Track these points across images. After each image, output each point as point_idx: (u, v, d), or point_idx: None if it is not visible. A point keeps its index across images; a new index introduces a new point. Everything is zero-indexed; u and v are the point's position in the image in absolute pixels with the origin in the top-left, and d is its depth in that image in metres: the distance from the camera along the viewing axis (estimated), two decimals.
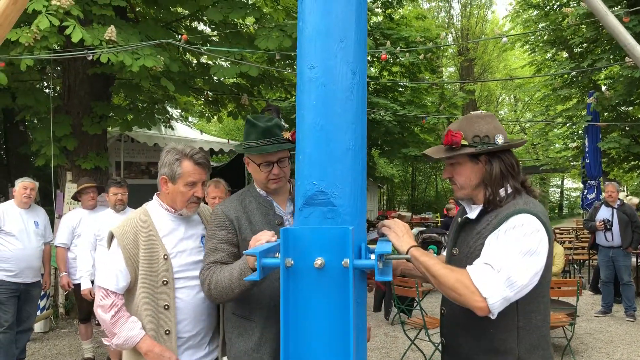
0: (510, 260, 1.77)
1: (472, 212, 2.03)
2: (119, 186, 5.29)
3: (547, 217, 1.91)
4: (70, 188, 7.64)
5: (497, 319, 1.86)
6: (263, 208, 2.31)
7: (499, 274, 1.75)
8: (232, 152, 11.24)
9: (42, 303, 6.89)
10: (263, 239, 1.89)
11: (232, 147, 10.60)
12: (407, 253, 1.83)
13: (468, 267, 1.82)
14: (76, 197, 5.88)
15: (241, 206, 2.31)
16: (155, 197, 2.56)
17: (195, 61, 9.58)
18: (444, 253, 2.31)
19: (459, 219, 2.13)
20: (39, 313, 6.83)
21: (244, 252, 1.98)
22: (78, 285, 5.53)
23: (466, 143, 1.96)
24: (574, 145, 15.26)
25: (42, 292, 6.61)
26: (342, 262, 1.46)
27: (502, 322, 1.88)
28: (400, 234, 1.88)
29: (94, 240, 5.21)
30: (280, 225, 2.26)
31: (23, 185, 5.33)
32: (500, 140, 1.97)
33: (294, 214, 2.29)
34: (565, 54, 15.42)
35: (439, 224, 20.31)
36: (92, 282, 5.21)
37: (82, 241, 5.40)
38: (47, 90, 9.26)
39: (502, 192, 1.96)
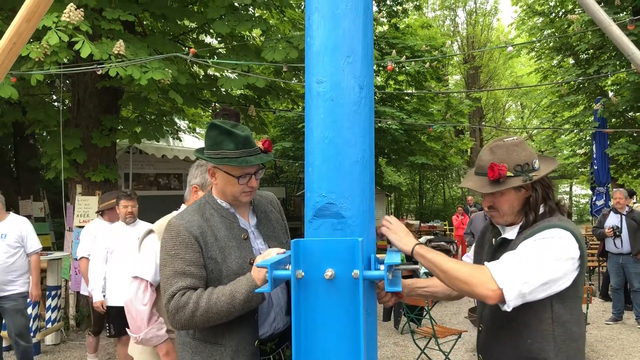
0: (531, 260, 1.82)
1: (509, 233, 2.08)
2: (129, 199, 5.23)
3: (581, 236, 1.95)
4: (80, 200, 7.71)
5: (534, 328, 1.92)
6: (227, 222, 2.15)
7: (518, 268, 1.80)
8: None
9: (52, 315, 6.93)
10: (273, 252, 1.90)
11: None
12: (412, 252, 1.87)
13: (486, 263, 1.87)
14: (102, 210, 5.80)
15: (203, 220, 2.11)
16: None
17: (202, 73, 9.66)
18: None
19: (493, 240, 2.18)
20: (49, 325, 6.87)
21: (255, 264, 1.96)
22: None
23: (511, 174, 2.00)
24: (581, 151, 15.24)
25: (53, 304, 6.64)
26: (352, 273, 1.48)
27: (539, 332, 1.92)
28: (401, 234, 1.93)
29: (106, 254, 5.22)
30: (246, 240, 2.16)
31: None
32: (537, 164, 2.03)
33: (257, 226, 2.24)
34: (571, 61, 15.42)
35: (446, 232, 20.28)
36: (104, 295, 5.23)
37: (95, 254, 5.34)
38: (56, 104, 9.36)
39: (540, 210, 2.03)
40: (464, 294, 1.89)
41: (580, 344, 1.96)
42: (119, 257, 5.17)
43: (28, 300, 5.57)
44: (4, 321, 5.35)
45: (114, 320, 5.21)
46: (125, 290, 5.09)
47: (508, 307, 1.79)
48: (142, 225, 5.28)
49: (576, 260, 1.89)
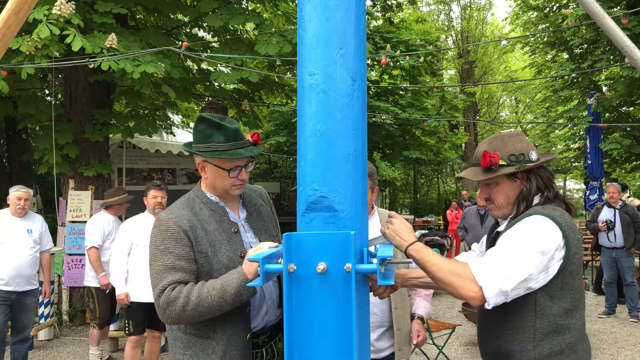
0: (511, 255, 1.81)
1: (502, 225, 2.09)
2: (158, 189, 5.11)
3: (567, 223, 1.90)
4: (73, 195, 7.66)
5: (515, 320, 1.91)
6: (217, 215, 2.14)
7: (497, 265, 1.80)
8: None
9: (45, 310, 6.90)
10: (265, 246, 1.89)
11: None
12: (405, 250, 1.86)
13: (469, 261, 1.87)
14: (109, 205, 5.80)
15: (193, 214, 2.10)
16: None
17: (196, 67, 9.61)
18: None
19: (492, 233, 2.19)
20: (42, 321, 6.84)
21: (247, 258, 1.95)
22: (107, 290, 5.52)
23: (504, 163, 2.00)
24: (575, 146, 15.27)
25: (46, 300, 6.62)
26: (345, 267, 1.47)
27: (520, 323, 1.91)
28: (398, 232, 1.90)
29: (130, 246, 5.09)
30: (237, 233, 2.15)
31: (17, 196, 5.20)
32: (534, 156, 2.02)
33: (247, 219, 2.24)
34: (565, 55, 15.44)
35: (441, 227, 20.33)
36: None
37: (117, 246, 5.21)
38: (48, 98, 9.30)
39: (535, 200, 2.02)
40: (448, 293, 1.88)
41: (569, 337, 1.91)
42: (144, 249, 4.91)
43: None
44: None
45: (134, 316, 5.07)
46: (149, 285, 5.00)
47: (488, 305, 1.79)
48: None
49: (560, 249, 1.85)
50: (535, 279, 1.82)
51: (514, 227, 1.90)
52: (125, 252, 5.11)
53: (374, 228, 2.72)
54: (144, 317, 5.12)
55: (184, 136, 11.21)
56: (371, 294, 1.91)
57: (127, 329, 5.12)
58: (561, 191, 2.10)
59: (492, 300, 1.77)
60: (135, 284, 5.06)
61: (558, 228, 1.85)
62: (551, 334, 1.89)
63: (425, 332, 2.92)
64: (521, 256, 1.80)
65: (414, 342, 2.83)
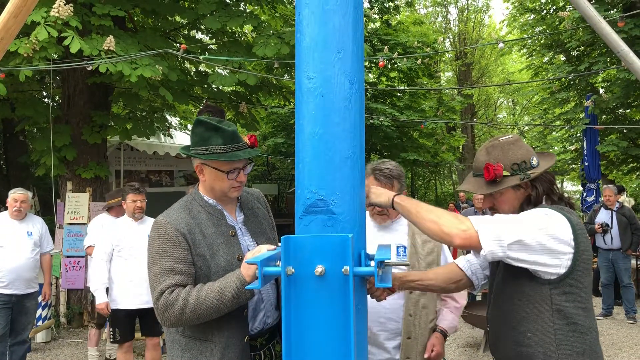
0: (512, 219, 1.82)
1: None
2: (137, 193, 4.94)
3: (576, 221, 1.90)
4: (71, 197, 7.66)
5: (532, 321, 1.89)
6: (214, 218, 2.15)
7: (497, 219, 1.81)
8: None
9: (43, 313, 6.89)
10: (263, 249, 1.89)
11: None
12: (392, 202, 1.89)
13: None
14: (111, 207, 5.79)
15: (190, 217, 2.11)
16: None
17: (193, 70, 9.62)
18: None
19: None
20: (40, 323, 6.83)
21: (245, 260, 1.95)
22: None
23: (507, 174, 1.98)
24: (572, 148, 15.29)
25: (44, 302, 6.62)
26: (342, 270, 1.48)
27: (538, 324, 1.89)
28: (380, 192, 1.97)
29: (110, 252, 4.89)
30: (234, 236, 2.16)
31: (13, 198, 5.19)
32: (535, 161, 2.01)
33: (244, 222, 2.25)
34: (562, 58, 15.48)
35: None
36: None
37: (99, 250, 4.97)
38: (46, 100, 9.30)
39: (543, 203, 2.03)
40: (432, 235, 1.83)
41: (589, 337, 1.90)
42: (126, 255, 4.86)
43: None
44: None
45: (120, 324, 4.85)
46: (133, 291, 4.84)
47: (484, 252, 1.76)
48: (150, 222, 4.79)
49: (568, 244, 1.84)
50: (529, 252, 1.79)
51: (520, 213, 1.92)
52: (105, 259, 4.89)
53: (401, 232, 2.72)
54: (130, 325, 4.96)
55: (181, 138, 11.21)
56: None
57: (112, 337, 4.91)
58: (565, 193, 2.12)
59: (488, 246, 1.75)
60: (118, 291, 4.87)
61: (567, 221, 1.85)
62: (571, 334, 1.87)
63: (440, 349, 2.69)
64: (521, 223, 1.80)
65: (426, 355, 2.65)
